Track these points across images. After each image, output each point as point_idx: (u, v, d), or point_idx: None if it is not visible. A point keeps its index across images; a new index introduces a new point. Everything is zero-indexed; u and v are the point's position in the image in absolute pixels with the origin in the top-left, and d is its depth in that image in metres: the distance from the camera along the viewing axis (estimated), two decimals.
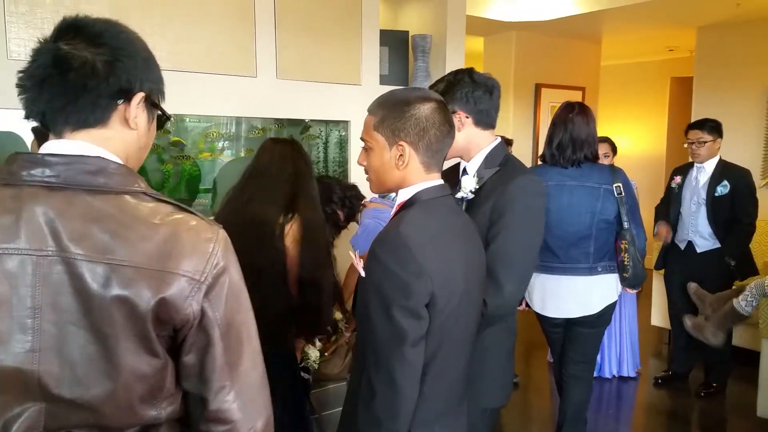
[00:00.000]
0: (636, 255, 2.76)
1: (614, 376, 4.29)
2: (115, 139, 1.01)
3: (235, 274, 1.01)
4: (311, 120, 3.50)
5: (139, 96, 1.02)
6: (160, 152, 3.08)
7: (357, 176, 3.44)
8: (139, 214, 0.96)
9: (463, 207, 1.81)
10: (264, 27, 3.02)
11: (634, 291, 3.08)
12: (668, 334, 4.93)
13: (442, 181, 1.45)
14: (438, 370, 1.37)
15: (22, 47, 2.44)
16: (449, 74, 1.89)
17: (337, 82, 3.33)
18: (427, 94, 1.44)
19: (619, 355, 4.29)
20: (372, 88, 3.45)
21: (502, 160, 1.85)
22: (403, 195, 1.44)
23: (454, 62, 3.81)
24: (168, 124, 3.06)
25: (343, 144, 3.57)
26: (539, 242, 1.81)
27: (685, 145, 3.91)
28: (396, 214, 1.44)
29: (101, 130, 1.00)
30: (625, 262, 2.78)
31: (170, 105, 2.75)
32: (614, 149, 4.03)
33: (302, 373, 2.26)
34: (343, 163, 3.56)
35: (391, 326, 1.28)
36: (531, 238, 1.77)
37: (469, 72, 1.86)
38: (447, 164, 1.63)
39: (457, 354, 1.43)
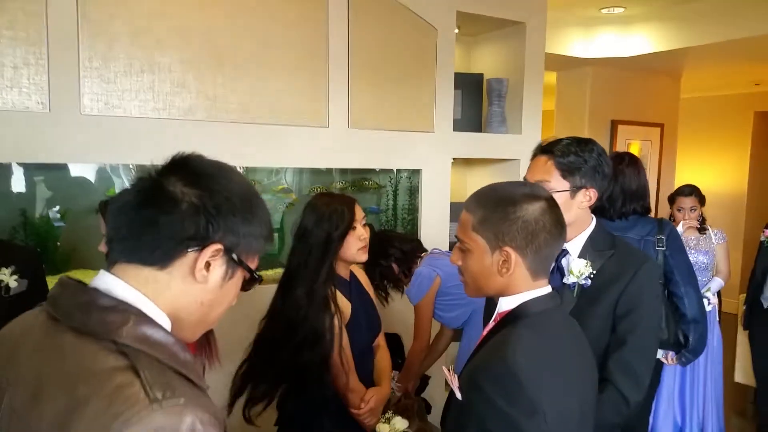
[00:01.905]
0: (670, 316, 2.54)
1: None
2: (165, 285, 0.88)
3: None
4: (381, 169, 3.38)
5: (214, 248, 0.89)
6: None
7: (427, 224, 3.31)
8: (80, 366, 0.80)
9: (575, 293, 1.64)
10: (337, 77, 2.93)
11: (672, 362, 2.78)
12: (754, 393, 4.58)
13: (550, 288, 1.27)
14: None
15: (95, 102, 2.41)
16: (569, 141, 1.69)
17: (410, 129, 3.20)
18: (535, 192, 1.27)
19: (701, 417, 3.95)
20: (445, 135, 3.32)
21: (610, 241, 1.68)
22: (506, 304, 1.26)
23: (531, 107, 3.64)
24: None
25: (413, 192, 3.43)
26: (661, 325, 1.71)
27: None
28: (495, 328, 1.26)
29: (155, 272, 0.88)
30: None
31: (241, 156, 2.75)
32: (701, 200, 3.74)
33: None
34: (413, 211, 3.42)
35: None
36: (657, 323, 1.73)
37: (593, 142, 1.70)
38: None
39: None
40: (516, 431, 1.10)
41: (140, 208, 0.87)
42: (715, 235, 3.82)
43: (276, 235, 3.31)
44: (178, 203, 0.86)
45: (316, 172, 3.37)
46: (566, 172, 1.64)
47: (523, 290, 1.24)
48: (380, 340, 2.27)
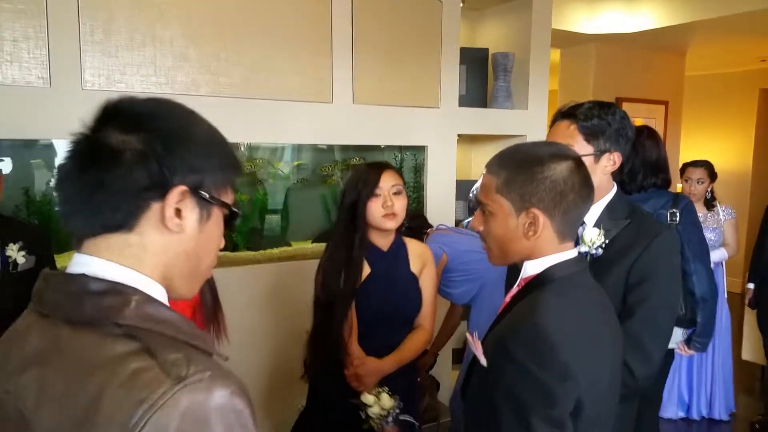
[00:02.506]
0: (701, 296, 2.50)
1: (704, 418, 3.92)
2: (142, 248, 0.79)
3: None
4: (387, 147, 3.34)
5: (178, 191, 0.78)
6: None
7: (433, 202, 3.27)
8: (83, 359, 0.73)
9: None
10: (341, 52, 2.88)
11: (689, 353, 2.72)
12: (761, 370, 4.56)
13: (576, 252, 1.23)
14: None
15: (96, 77, 2.37)
16: (591, 104, 1.65)
17: (415, 105, 3.16)
18: (563, 151, 1.21)
19: (709, 395, 3.93)
20: (451, 110, 3.27)
21: (628, 210, 1.63)
22: (531, 269, 1.21)
23: (537, 82, 3.59)
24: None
25: (418, 170, 3.39)
26: (678, 301, 1.62)
27: None
28: (520, 293, 1.21)
29: (125, 236, 0.78)
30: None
31: (244, 132, 2.71)
32: (712, 175, 3.69)
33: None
34: (419, 189, 3.38)
35: None
36: (675, 300, 1.61)
37: (615, 105, 1.65)
38: None
39: None
40: (548, 396, 1.06)
41: (82, 173, 0.77)
42: (724, 211, 3.78)
43: (279, 215, 3.27)
44: (119, 155, 0.76)
45: (318, 150, 3.33)
46: (590, 135, 1.60)
47: (549, 253, 1.19)
48: (423, 323, 2.22)
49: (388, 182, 2.06)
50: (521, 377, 1.07)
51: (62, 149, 2.66)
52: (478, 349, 1.18)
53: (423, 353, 2.68)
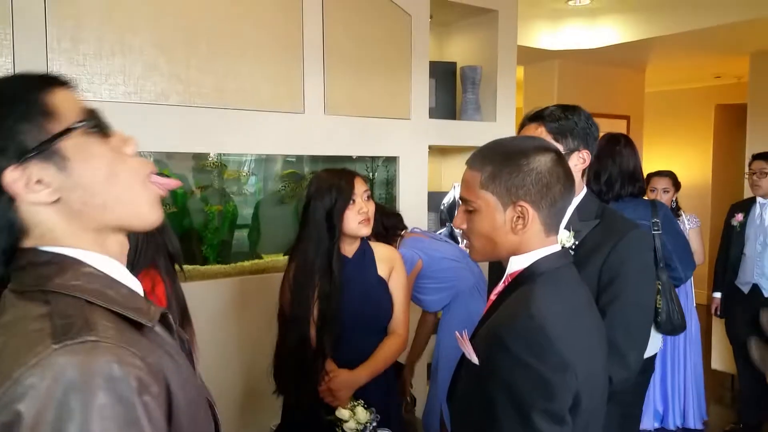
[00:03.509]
0: (671, 300, 2.52)
1: (678, 428, 3.96)
2: (48, 229, 0.78)
3: None
4: (358, 158, 3.34)
5: (10, 174, 0.75)
6: (204, 195, 2.94)
7: (405, 213, 3.26)
8: (4, 321, 0.74)
9: None
10: (312, 62, 2.87)
11: None
12: (731, 379, 4.63)
13: (560, 246, 1.22)
14: None
15: None
16: (555, 107, 1.69)
17: (386, 116, 3.17)
18: (543, 144, 1.22)
19: (683, 405, 3.97)
20: (422, 122, 3.30)
21: (597, 211, 1.65)
22: (518, 263, 1.19)
23: (505, 94, 3.66)
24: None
25: (390, 181, 3.40)
26: (654, 301, 1.60)
27: (746, 176, 3.69)
28: (507, 289, 1.19)
29: (34, 223, 0.78)
30: (657, 305, 2.53)
31: (215, 142, 2.68)
32: (676, 184, 3.78)
33: None
34: (391, 201, 3.38)
35: None
36: (648, 299, 1.59)
37: (579, 107, 1.68)
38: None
39: None
40: (549, 389, 1.04)
41: None
42: (689, 220, 3.86)
43: (247, 229, 3.23)
44: None
45: (289, 162, 3.31)
46: (558, 135, 1.63)
47: (536, 248, 1.18)
48: (397, 328, 2.17)
49: (360, 188, 2.06)
50: (519, 371, 1.04)
51: None
52: (468, 347, 1.15)
53: (400, 369, 2.66)
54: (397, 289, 2.17)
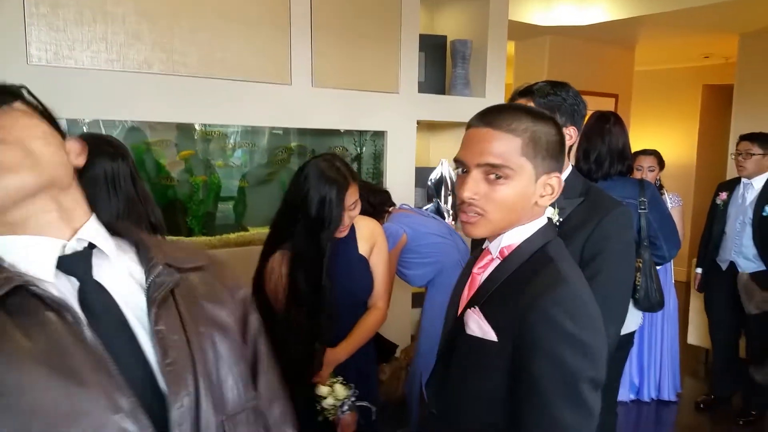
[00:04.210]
0: (651, 278, 2.56)
1: (653, 399, 4.06)
2: None
3: None
4: (346, 131, 3.30)
5: None
6: (189, 165, 2.90)
7: (392, 189, 3.25)
8: None
9: None
10: (300, 33, 2.82)
11: None
12: (705, 354, 4.73)
13: (546, 219, 1.19)
14: None
15: (42, 51, 2.26)
16: (544, 83, 1.68)
17: (375, 90, 3.13)
18: (544, 111, 1.20)
19: (658, 378, 4.06)
20: (410, 96, 3.26)
21: (582, 188, 1.64)
22: (510, 238, 1.14)
23: (495, 69, 3.62)
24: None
25: (378, 156, 3.37)
26: (633, 277, 1.62)
27: (732, 156, 3.72)
28: (506, 263, 1.14)
29: None
30: (636, 283, 2.57)
31: (200, 113, 2.63)
32: (661, 163, 3.80)
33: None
34: (378, 176, 3.36)
35: (579, 410, 1.00)
36: (627, 275, 1.61)
37: (567, 84, 1.67)
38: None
39: None
40: (593, 355, 1.02)
41: None
42: (671, 198, 3.89)
43: (231, 204, 3.19)
44: None
45: (275, 135, 3.27)
46: (546, 110, 1.61)
47: (532, 220, 1.14)
48: (377, 302, 2.16)
49: (351, 197, 2.00)
50: (567, 341, 1.00)
51: None
52: (485, 325, 1.10)
53: (392, 350, 2.68)
54: (378, 264, 2.16)
